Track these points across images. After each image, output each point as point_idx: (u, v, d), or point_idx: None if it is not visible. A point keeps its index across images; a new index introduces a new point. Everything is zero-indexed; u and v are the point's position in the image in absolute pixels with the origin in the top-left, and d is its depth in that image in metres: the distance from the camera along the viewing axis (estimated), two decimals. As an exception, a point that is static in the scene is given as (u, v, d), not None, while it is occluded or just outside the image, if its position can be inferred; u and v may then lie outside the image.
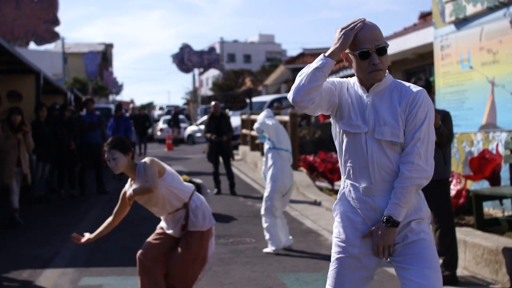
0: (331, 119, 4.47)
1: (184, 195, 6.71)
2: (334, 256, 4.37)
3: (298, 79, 4.18)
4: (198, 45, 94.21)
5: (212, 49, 70.27)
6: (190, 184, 7.01)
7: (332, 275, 4.34)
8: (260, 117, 10.69)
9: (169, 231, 6.77)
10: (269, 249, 10.21)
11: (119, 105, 22.13)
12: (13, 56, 15.34)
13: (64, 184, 17.15)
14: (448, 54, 12.78)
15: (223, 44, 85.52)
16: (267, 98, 37.77)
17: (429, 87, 8.10)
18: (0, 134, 12.45)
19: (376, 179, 4.24)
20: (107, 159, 6.53)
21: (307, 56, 45.82)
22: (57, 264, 9.78)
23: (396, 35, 20.17)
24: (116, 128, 20.20)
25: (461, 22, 12.26)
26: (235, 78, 72.31)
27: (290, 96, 4.22)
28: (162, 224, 6.88)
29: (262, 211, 10.37)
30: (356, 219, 4.31)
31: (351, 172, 4.33)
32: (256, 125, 10.70)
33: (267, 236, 10.29)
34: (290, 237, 10.54)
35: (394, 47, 18.33)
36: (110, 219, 6.72)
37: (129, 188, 6.63)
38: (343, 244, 4.33)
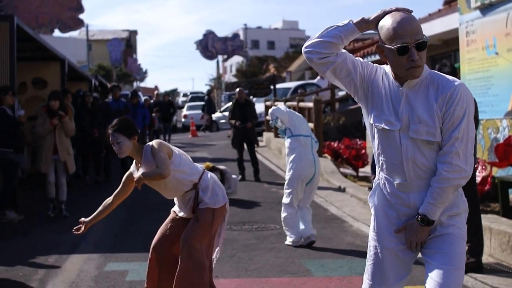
0: (362, 107, 4.30)
1: (194, 176, 6.50)
2: (371, 250, 4.30)
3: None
4: (221, 32, 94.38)
5: (236, 36, 70.22)
6: (200, 165, 6.76)
7: (371, 269, 4.28)
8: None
9: (181, 213, 6.65)
10: (288, 240, 9.97)
11: (135, 92, 21.68)
12: (38, 43, 15.42)
13: (89, 170, 17.27)
14: (474, 40, 12.69)
15: (247, 30, 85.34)
16: (291, 84, 37.72)
17: (454, 74, 8.05)
18: (25, 120, 12.37)
19: (410, 176, 4.09)
20: (111, 143, 6.34)
21: (331, 42, 45.51)
22: (83, 249, 9.85)
23: (421, 21, 20.05)
24: (133, 116, 19.22)
25: (486, 8, 12.17)
26: (259, 65, 72.31)
27: None
28: (175, 207, 6.78)
29: (283, 200, 10.10)
30: (391, 214, 4.22)
31: (384, 166, 4.19)
32: (270, 111, 10.45)
33: (285, 227, 10.04)
34: (312, 227, 10.08)
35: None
36: (109, 200, 6.58)
37: (134, 171, 6.48)
38: (380, 238, 4.25)
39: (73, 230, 6.49)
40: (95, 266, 8.82)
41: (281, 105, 10.62)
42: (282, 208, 10.04)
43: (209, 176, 6.67)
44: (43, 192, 12.71)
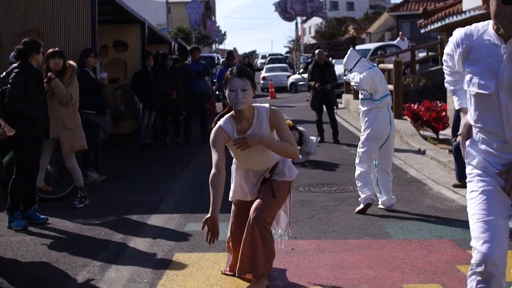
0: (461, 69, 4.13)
1: None
2: (478, 190, 4.04)
3: None
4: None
5: (315, -3, 69.61)
6: None
7: (481, 207, 3.98)
8: (348, 64, 10.07)
9: (243, 194, 6.44)
10: (362, 197, 9.53)
11: (231, 53, 20.82)
12: (119, 6, 15.55)
13: (169, 132, 17.45)
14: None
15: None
16: (371, 46, 37.31)
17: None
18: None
19: (511, 137, 3.90)
20: (232, 89, 5.63)
21: (411, 3, 44.79)
22: (163, 210, 9.96)
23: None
24: None
25: None
26: (338, 26, 71.69)
27: None
28: (232, 194, 6.54)
29: (356, 160, 9.83)
30: (491, 170, 4.03)
31: (482, 126, 4.01)
32: (353, 83, 10.05)
33: (358, 184, 9.67)
34: (393, 196, 9.83)
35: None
36: (214, 176, 5.81)
37: (231, 131, 5.86)
38: (488, 179, 4.02)
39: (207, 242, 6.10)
40: (176, 226, 8.92)
41: (363, 65, 10.13)
42: (356, 167, 9.75)
43: None
44: (124, 154, 12.86)
